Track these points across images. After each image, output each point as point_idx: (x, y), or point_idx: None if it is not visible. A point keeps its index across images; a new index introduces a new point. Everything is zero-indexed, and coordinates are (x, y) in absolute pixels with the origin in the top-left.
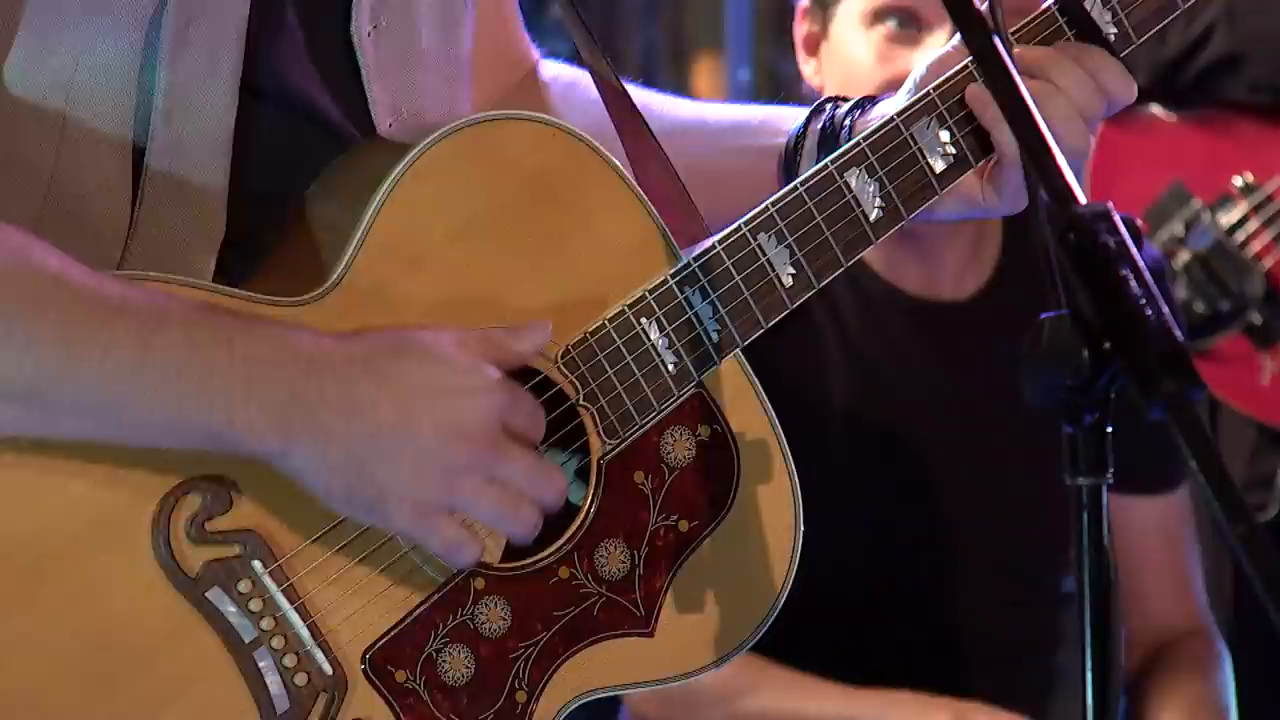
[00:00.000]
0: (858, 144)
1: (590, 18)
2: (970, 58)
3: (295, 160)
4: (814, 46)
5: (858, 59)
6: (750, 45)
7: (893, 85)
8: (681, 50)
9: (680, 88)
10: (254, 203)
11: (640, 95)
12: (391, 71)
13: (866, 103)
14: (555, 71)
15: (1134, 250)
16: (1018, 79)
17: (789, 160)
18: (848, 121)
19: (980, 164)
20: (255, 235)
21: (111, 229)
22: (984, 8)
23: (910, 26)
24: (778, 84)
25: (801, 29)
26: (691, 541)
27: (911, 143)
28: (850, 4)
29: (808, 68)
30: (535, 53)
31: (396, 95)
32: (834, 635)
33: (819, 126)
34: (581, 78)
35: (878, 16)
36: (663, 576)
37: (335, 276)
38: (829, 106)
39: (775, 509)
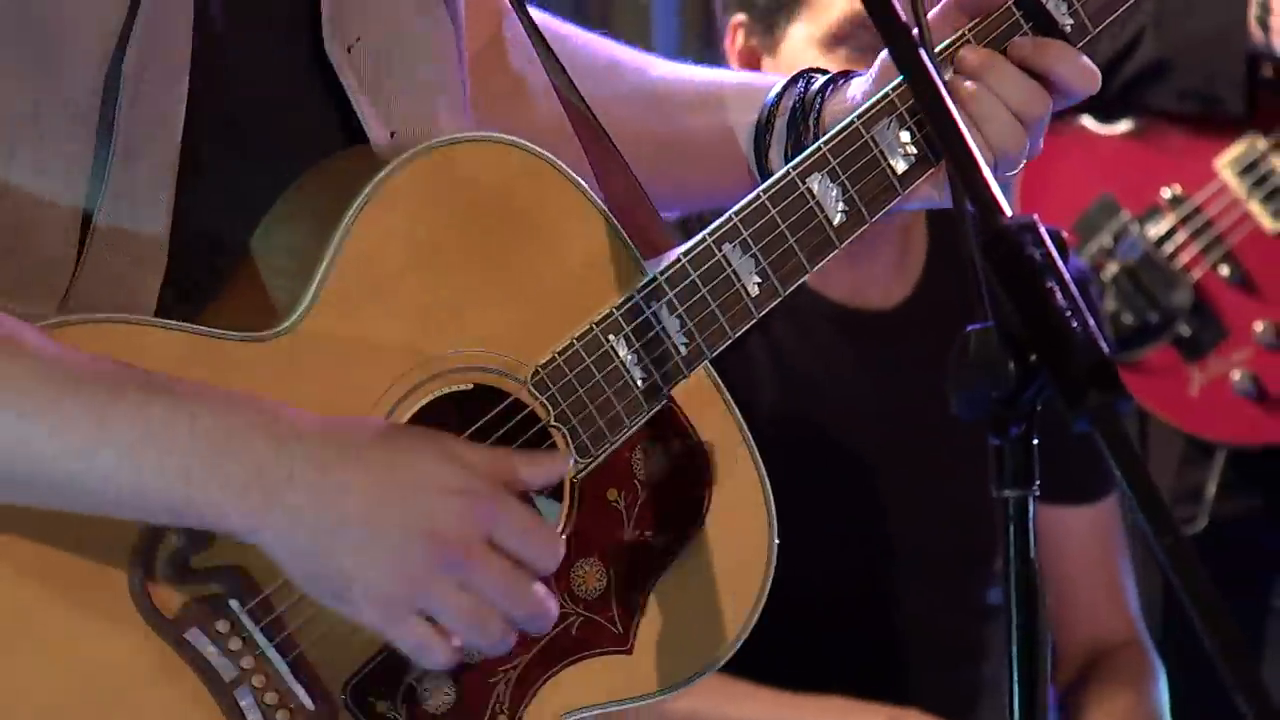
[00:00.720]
0: (819, 148)
1: None
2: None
3: (240, 196)
4: (754, 61)
5: None
6: (676, 58)
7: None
8: None
9: None
10: (199, 241)
11: (608, 52)
12: (379, 82)
13: (839, 78)
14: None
15: (1060, 262)
16: (941, 87)
17: (758, 139)
18: (818, 102)
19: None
20: (199, 275)
21: (58, 264)
22: (907, 12)
23: (870, 50)
24: None
25: (736, 43)
26: (666, 556)
27: (873, 145)
28: (804, 27)
29: None
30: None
31: (391, 104)
32: (763, 642)
33: (789, 104)
34: (552, 31)
35: (836, 41)
36: (639, 593)
37: (304, 305)
38: (801, 82)
39: (748, 517)
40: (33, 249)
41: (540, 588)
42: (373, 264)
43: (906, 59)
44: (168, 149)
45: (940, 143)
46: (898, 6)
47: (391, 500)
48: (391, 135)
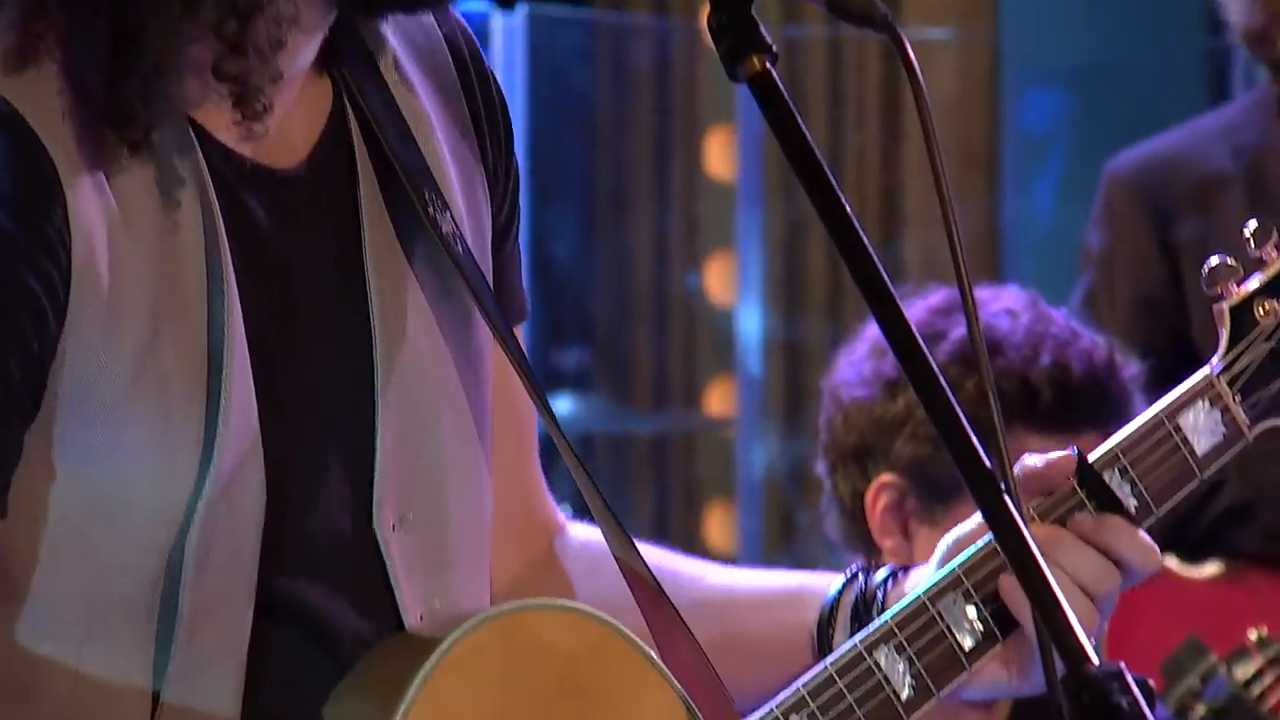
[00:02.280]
0: (885, 622)
1: (599, 471)
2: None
3: (307, 675)
4: (902, 527)
5: None
6: (761, 494)
7: None
8: (693, 498)
9: (692, 535)
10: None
11: (667, 564)
12: (420, 564)
13: (900, 571)
14: (584, 536)
15: (1147, 711)
16: (1026, 532)
17: (821, 633)
18: (880, 594)
19: (1007, 641)
20: None
21: None
22: (991, 464)
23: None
24: (788, 532)
25: (880, 503)
26: None
27: (939, 620)
28: None
29: (888, 542)
30: (560, 516)
31: (427, 588)
32: None
33: (851, 599)
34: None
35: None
36: None
37: None
38: (861, 576)
39: None
40: None
41: None
42: None
43: (991, 502)
44: (235, 630)
45: (1023, 583)
46: (981, 453)
47: None
48: (420, 618)
